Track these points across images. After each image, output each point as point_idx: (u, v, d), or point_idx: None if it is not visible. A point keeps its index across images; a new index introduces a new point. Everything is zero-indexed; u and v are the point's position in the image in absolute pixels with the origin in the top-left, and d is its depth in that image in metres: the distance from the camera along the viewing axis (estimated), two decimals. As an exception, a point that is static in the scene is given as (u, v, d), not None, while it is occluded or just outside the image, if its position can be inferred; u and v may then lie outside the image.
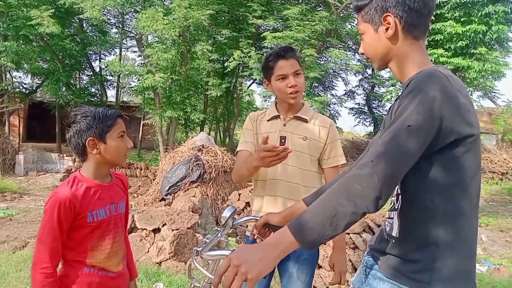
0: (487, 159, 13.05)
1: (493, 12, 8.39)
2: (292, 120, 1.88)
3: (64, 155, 12.99)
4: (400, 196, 1.13)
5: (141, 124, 17.77)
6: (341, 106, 19.00)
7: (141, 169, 10.35)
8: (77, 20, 13.59)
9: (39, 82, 16.47)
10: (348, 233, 3.93)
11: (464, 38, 8.68)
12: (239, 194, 6.09)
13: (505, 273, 4.59)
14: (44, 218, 1.43)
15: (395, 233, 1.12)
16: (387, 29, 1.13)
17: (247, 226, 1.61)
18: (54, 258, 1.41)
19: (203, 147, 7.04)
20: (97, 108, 1.53)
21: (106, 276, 1.53)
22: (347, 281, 3.54)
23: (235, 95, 14.18)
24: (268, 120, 1.94)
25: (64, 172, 11.34)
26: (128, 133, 1.63)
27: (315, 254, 1.90)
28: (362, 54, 1.25)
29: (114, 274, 1.56)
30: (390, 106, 1.20)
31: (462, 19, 8.72)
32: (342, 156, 1.91)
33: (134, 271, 1.75)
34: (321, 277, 3.69)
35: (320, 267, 3.78)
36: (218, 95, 11.89)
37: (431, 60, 1.15)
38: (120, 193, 1.65)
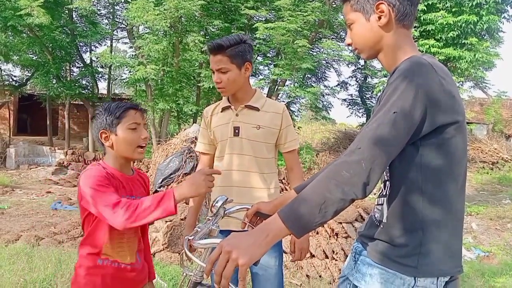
0: (478, 149, 13.18)
1: (484, 3, 8.43)
2: (243, 109, 1.90)
3: (56, 148, 12.91)
4: (388, 182, 1.14)
5: (134, 117, 17.62)
6: (334, 97, 19.05)
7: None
8: (67, 11, 13.36)
9: (29, 74, 16.23)
10: (341, 223, 3.97)
11: (455, 29, 8.72)
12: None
13: (494, 260, 4.69)
14: (86, 190, 1.41)
15: (384, 218, 1.14)
16: (380, 18, 1.13)
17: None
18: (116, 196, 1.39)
19: (196, 139, 7.02)
20: (116, 102, 1.56)
21: (119, 268, 1.54)
22: (340, 270, 3.59)
23: (228, 87, 14.09)
24: (221, 112, 1.96)
25: (55, 165, 11.28)
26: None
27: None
28: (349, 45, 1.24)
29: (128, 266, 1.56)
30: (379, 96, 1.21)
31: (453, 10, 8.75)
32: (296, 140, 1.97)
33: (152, 272, 1.75)
34: (314, 266, 3.74)
35: (313, 256, 3.83)
36: (211, 86, 11.81)
37: (423, 51, 1.17)
38: (140, 189, 1.66)
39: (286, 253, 3.52)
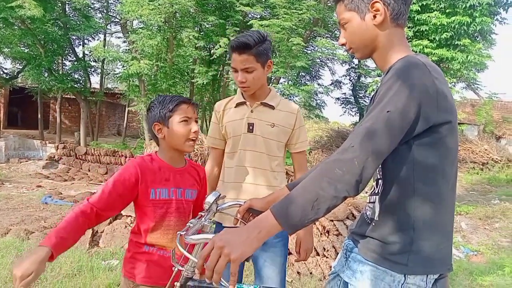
0: (468, 150, 13.32)
1: (477, 4, 8.50)
2: (259, 106, 1.89)
3: (47, 142, 12.79)
4: (380, 181, 1.15)
5: (126, 112, 17.55)
6: (327, 95, 19.12)
7: (126, 157, 10.26)
8: (60, 4, 13.22)
9: (20, 67, 16.04)
10: (332, 220, 3.99)
11: (449, 30, 8.78)
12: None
13: (482, 259, 4.75)
14: (114, 174, 1.56)
15: (376, 216, 1.15)
16: (375, 16, 1.14)
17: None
18: (99, 204, 1.46)
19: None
20: (170, 95, 1.62)
21: (164, 256, 1.58)
22: (331, 267, 3.61)
23: (222, 83, 14.09)
24: (235, 107, 1.94)
25: (46, 159, 11.18)
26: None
27: (287, 236, 1.94)
28: (343, 44, 1.24)
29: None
30: (373, 95, 1.22)
31: (447, 11, 8.81)
32: (307, 141, 1.99)
33: None
34: (304, 263, 3.75)
35: (303, 253, 3.84)
36: (205, 83, 11.79)
37: (417, 51, 1.18)
38: (191, 181, 1.67)
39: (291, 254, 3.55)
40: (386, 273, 1.09)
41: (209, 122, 2.15)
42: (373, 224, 1.15)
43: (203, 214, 1.37)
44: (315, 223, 3.98)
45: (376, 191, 1.17)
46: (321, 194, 0.97)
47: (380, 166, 1.13)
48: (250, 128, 1.87)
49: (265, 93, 1.91)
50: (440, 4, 8.85)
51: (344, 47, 1.26)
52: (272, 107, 1.89)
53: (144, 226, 1.58)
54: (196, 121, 1.64)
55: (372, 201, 1.19)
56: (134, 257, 1.59)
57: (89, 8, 14.39)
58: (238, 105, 1.93)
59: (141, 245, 1.59)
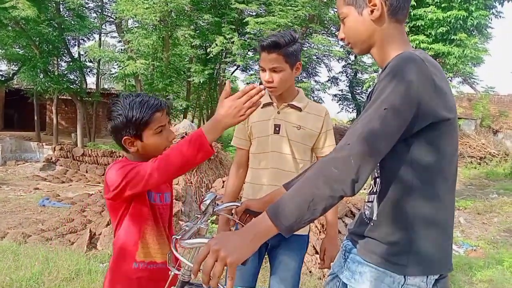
0: (466, 144, 13.36)
1: (473, -2, 8.49)
2: (286, 108, 1.86)
3: (44, 143, 12.74)
4: (378, 179, 1.13)
5: (123, 112, 17.44)
6: (324, 92, 19.10)
7: (123, 157, 10.22)
8: (54, 4, 13.13)
9: (16, 69, 15.96)
10: (331, 218, 3.98)
11: (445, 24, 8.78)
12: (223, 182, 6.09)
13: (481, 254, 4.75)
14: (113, 171, 1.37)
15: (374, 216, 1.13)
16: (372, 11, 1.12)
17: (232, 214, 1.59)
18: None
19: (186, 134, 6.98)
20: (134, 100, 1.41)
21: (155, 268, 1.49)
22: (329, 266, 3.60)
23: (218, 82, 14.06)
24: (261, 108, 1.90)
25: (43, 161, 11.13)
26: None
27: (305, 242, 1.92)
28: (342, 39, 1.22)
29: (163, 265, 1.46)
30: (369, 91, 1.19)
31: (443, 5, 8.79)
32: (334, 146, 1.92)
33: None
34: (304, 261, 3.74)
35: (303, 251, 3.83)
36: (201, 81, 11.77)
37: (413, 46, 1.15)
38: (165, 184, 1.58)
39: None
40: (385, 274, 1.07)
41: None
42: (372, 224, 1.13)
43: (199, 216, 1.35)
44: (312, 222, 3.96)
45: (374, 190, 1.15)
46: (316, 193, 0.95)
47: (378, 164, 1.11)
48: (277, 129, 1.83)
49: (292, 94, 1.87)
50: (436, -2, 8.84)
51: (343, 42, 1.24)
52: (300, 109, 1.85)
53: (131, 240, 1.45)
54: (170, 123, 1.52)
55: (370, 200, 1.17)
56: (123, 275, 1.47)
57: (84, 8, 14.32)
58: (265, 105, 1.89)
59: (129, 262, 1.46)
